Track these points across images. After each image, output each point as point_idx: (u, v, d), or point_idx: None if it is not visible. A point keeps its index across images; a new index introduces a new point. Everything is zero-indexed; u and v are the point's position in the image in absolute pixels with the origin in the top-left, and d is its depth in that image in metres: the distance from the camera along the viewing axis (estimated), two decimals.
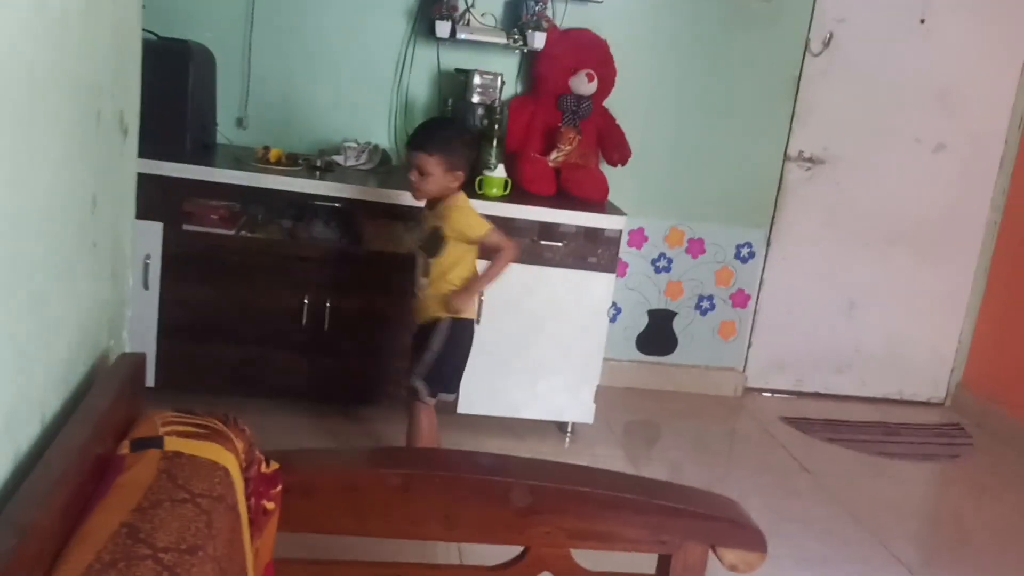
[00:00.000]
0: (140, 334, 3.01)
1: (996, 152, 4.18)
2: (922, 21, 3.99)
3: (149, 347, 3.12)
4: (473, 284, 2.78)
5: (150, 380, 3.03)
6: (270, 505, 1.48)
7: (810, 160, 4.07)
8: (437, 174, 2.67)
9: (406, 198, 3.20)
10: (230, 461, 1.32)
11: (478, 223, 2.75)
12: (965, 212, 4.23)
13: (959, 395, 4.39)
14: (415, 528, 1.59)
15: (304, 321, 3.23)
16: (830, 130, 4.05)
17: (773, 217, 4.09)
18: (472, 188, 3.26)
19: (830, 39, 3.95)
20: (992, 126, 4.15)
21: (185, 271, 3.16)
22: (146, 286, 3.09)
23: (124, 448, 1.23)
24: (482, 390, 3.36)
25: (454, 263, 2.74)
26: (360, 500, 1.54)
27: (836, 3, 3.91)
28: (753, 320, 4.19)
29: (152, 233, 3.07)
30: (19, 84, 0.96)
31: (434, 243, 2.74)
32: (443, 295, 2.74)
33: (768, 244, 4.11)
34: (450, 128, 2.87)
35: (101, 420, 1.22)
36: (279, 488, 1.50)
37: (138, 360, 1.44)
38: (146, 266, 3.08)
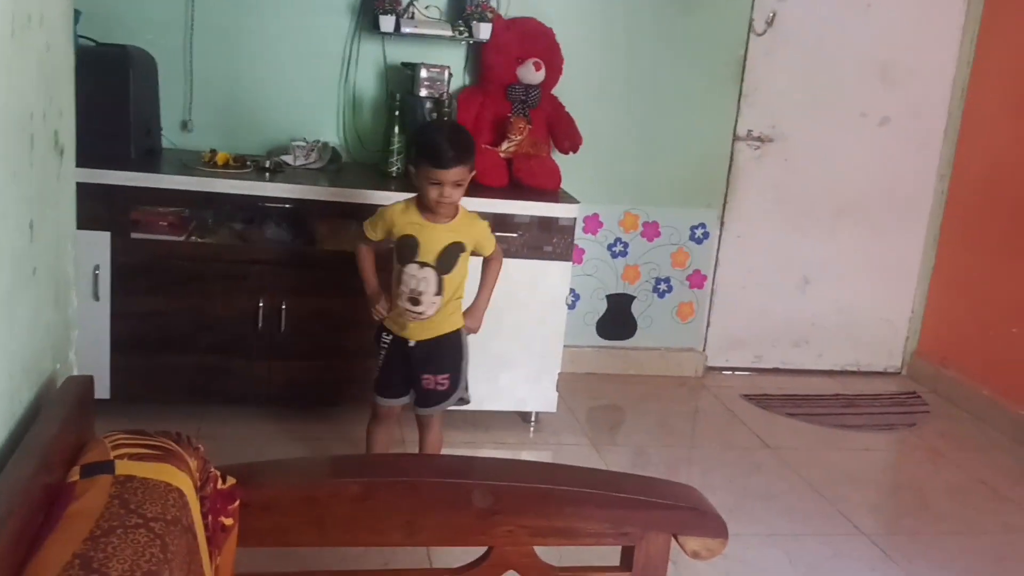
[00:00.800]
0: (92, 347, 2.97)
1: (939, 123, 4.24)
2: None
3: (102, 360, 3.08)
4: (484, 300, 2.78)
5: (104, 393, 3.00)
6: (228, 521, 1.47)
7: (759, 139, 4.10)
8: (466, 184, 2.60)
9: (358, 196, 3.20)
10: (184, 482, 1.31)
11: (490, 235, 2.74)
12: (912, 183, 4.30)
13: (914, 363, 4.47)
14: (377, 536, 1.59)
15: (260, 325, 3.20)
16: (777, 108, 4.08)
17: (725, 197, 4.12)
18: None
19: (773, 18, 3.98)
20: (934, 98, 4.21)
21: (135, 280, 3.12)
22: (96, 297, 3.04)
23: (74, 475, 1.22)
24: None
25: (463, 276, 2.68)
26: (320, 511, 1.54)
27: None
28: (710, 300, 4.23)
29: (100, 243, 3.02)
30: None
31: (450, 259, 2.60)
32: (454, 307, 2.70)
33: (722, 224, 4.14)
34: (466, 133, 2.69)
35: (48, 448, 1.20)
36: (237, 503, 1.49)
37: (85, 382, 1.42)
38: (95, 277, 3.03)
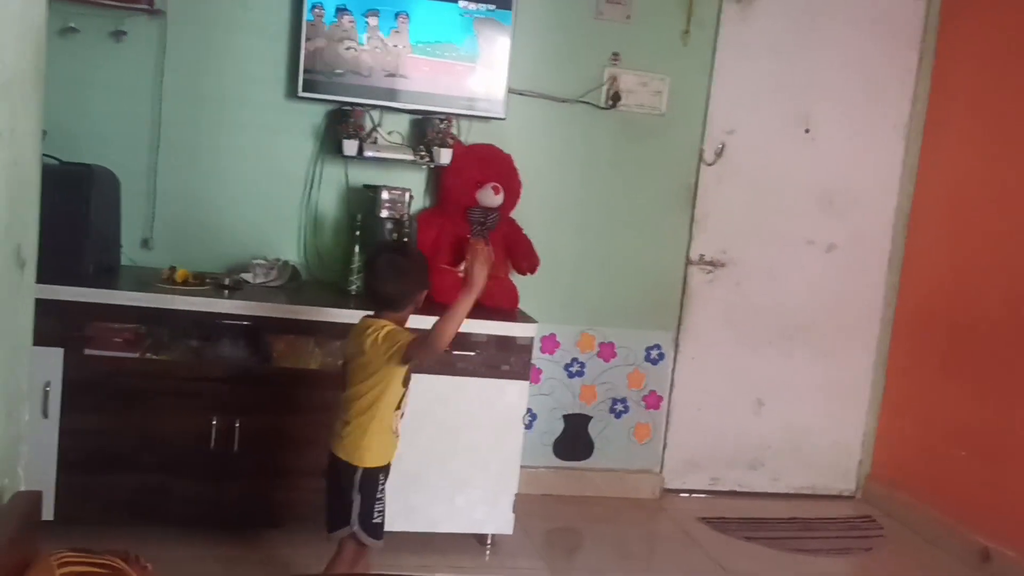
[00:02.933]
0: (38, 465, 2.87)
1: (884, 250, 4.39)
2: (807, 130, 4.23)
3: (48, 479, 2.99)
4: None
5: (49, 514, 2.90)
6: None
7: (711, 263, 4.21)
8: None
9: (316, 313, 3.22)
10: None
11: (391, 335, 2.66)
12: (859, 307, 4.41)
13: (868, 486, 4.49)
14: None
15: (212, 443, 3.15)
16: (728, 234, 4.21)
17: (680, 319, 4.20)
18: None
19: (722, 149, 4.15)
20: (878, 226, 4.38)
21: (87, 397, 3.06)
22: (45, 415, 2.98)
23: None
24: (399, 506, 3.30)
25: None
26: None
27: (726, 116, 4.12)
28: (667, 421, 4.25)
29: (52, 359, 2.98)
30: None
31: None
32: None
33: (676, 345, 4.21)
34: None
35: None
36: None
37: (33, 497, 1.39)
38: (46, 394, 2.98)
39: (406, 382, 2.66)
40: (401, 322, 2.66)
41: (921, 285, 4.28)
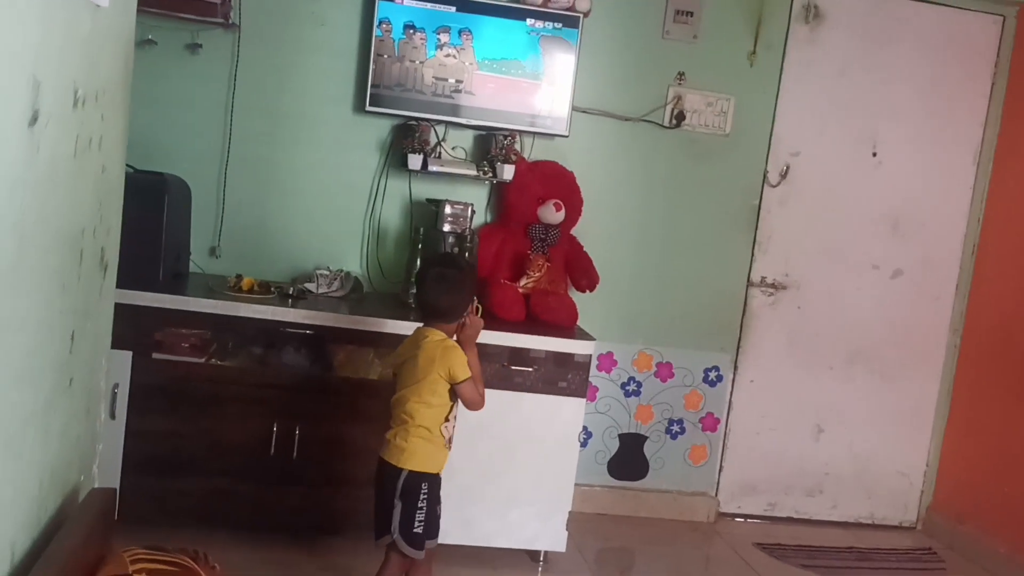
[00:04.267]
0: (104, 466, 2.95)
1: (951, 276, 4.31)
2: (874, 153, 4.17)
3: (113, 479, 3.05)
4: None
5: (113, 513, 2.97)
6: None
7: (772, 286, 4.17)
8: None
9: (377, 324, 3.26)
10: None
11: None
12: (925, 334, 4.33)
13: (929, 518, 4.39)
14: None
15: (272, 450, 3.20)
16: (790, 257, 4.17)
17: (739, 341, 4.16)
18: None
19: (787, 171, 4.11)
20: (945, 251, 4.29)
21: (153, 401, 3.14)
22: (112, 416, 3.05)
23: None
24: (453, 519, 3.32)
25: None
26: None
27: (791, 137, 4.09)
28: (723, 444, 4.20)
29: (121, 362, 3.06)
30: (10, 233, 0.99)
31: None
32: None
33: (735, 368, 4.16)
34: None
35: (70, 558, 1.20)
36: None
37: (108, 495, 1.43)
38: (113, 396, 3.05)
39: (453, 397, 2.68)
40: (451, 332, 2.71)
41: (989, 312, 4.18)
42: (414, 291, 3.44)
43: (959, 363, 4.33)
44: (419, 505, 2.64)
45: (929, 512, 4.40)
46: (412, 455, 2.64)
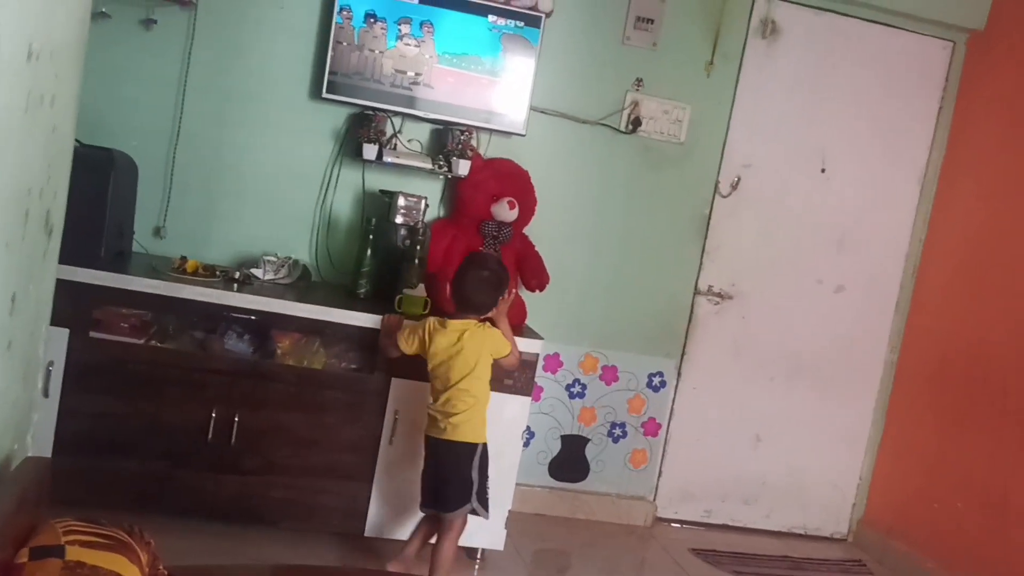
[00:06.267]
0: (36, 444, 2.87)
1: (892, 294, 4.40)
2: (822, 170, 4.24)
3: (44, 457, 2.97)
4: None
5: None
6: None
7: (719, 295, 4.21)
8: None
9: (324, 313, 3.22)
10: (134, 573, 1.27)
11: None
12: (864, 351, 4.41)
13: (860, 531, 4.47)
14: None
15: (211, 436, 3.14)
16: (737, 267, 4.22)
17: (684, 348, 4.19)
18: (392, 306, 3.28)
19: (738, 182, 4.16)
20: (888, 270, 4.38)
21: (88, 380, 3.06)
22: (46, 394, 2.96)
23: (23, 556, 1.18)
24: (394, 515, 3.29)
25: None
26: None
27: (743, 149, 4.14)
28: (664, 449, 4.23)
29: (58, 339, 2.97)
30: None
31: None
32: None
33: (679, 374, 4.20)
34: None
35: (1, 526, 1.16)
36: None
37: (42, 464, 1.39)
38: (48, 373, 2.96)
39: None
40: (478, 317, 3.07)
41: (927, 332, 4.28)
42: (368, 283, 3.45)
43: (895, 381, 4.41)
44: (488, 471, 3.07)
45: (860, 525, 4.48)
46: (482, 429, 3.04)
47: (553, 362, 4.01)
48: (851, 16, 4.16)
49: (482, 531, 3.36)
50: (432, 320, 3.05)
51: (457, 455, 3.01)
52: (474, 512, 3.06)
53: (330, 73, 3.54)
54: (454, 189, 3.77)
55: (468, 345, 2.98)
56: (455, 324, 3.01)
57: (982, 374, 3.88)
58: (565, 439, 4.09)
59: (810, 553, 4.27)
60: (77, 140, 3.15)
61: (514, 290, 3.21)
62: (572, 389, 4.06)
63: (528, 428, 3.88)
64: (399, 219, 3.54)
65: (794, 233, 4.26)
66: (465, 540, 3.38)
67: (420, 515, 3.17)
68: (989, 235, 4.00)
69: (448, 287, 3.14)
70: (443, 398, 3.00)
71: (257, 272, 3.47)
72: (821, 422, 4.39)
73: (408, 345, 3.06)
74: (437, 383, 3.03)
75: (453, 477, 3.02)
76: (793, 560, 4.15)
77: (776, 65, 4.13)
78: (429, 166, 3.65)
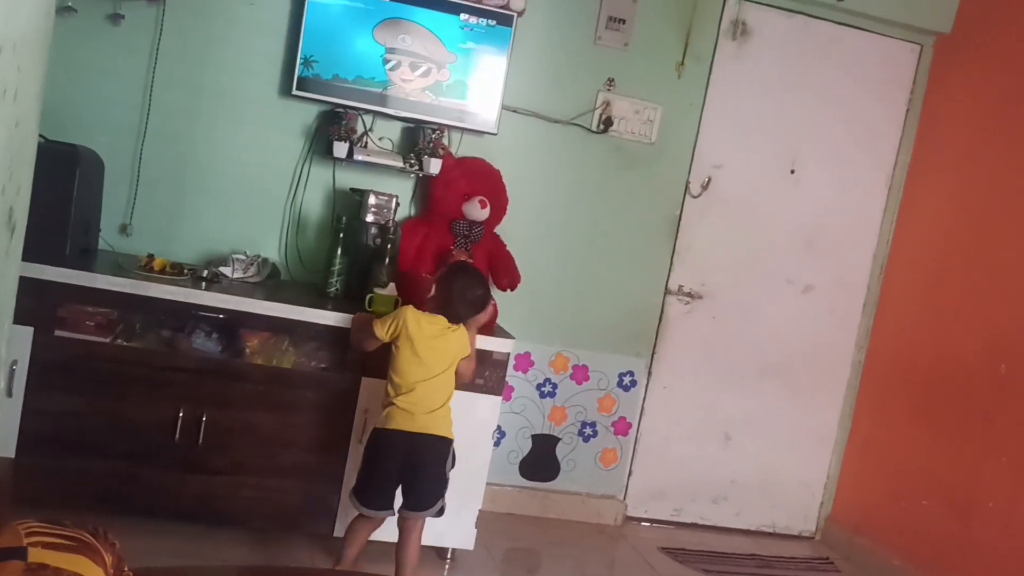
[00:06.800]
0: None
1: (860, 295, 4.44)
2: (792, 171, 4.27)
3: (7, 458, 2.92)
4: None
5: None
6: None
7: (689, 295, 4.23)
8: None
9: (293, 312, 3.19)
10: (98, 575, 1.25)
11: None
12: (831, 351, 4.45)
13: (828, 528, 4.51)
14: None
15: (177, 436, 3.10)
16: (707, 267, 4.24)
17: (654, 347, 4.21)
18: (363, 305, 3.27)
19: (708, 183, 4.18)
20: (856, 270, 4.42)
21: (53, 379, 3.01)
22: (9, 394, 2.91)
23: None
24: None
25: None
26: None
27: (714, 150, 4.16)
28: (634, 448, 4.24)
29: (22, 338, 2.92)
30: None
31: None
32: None
33: (649, 373, 4.21)
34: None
35: None
36: None
37: (4, 465, 1.36)
38: (12, 372, 2.91)
39: None
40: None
41: (894, 332, 4.32)
42: (340, 282, 3.44)
43: (862, 381, 4.46)
44: (452, 468, 3.05)
45: (828, 523, 4.52)
46: (452, 425, 3.01)
47: (524, 361, 4.01)
48: (820, 18, 4.19)
49: (452, 531, 3.36)
50: (411, 307, 2.99)
51: (436, 450, 2.96)
52: (440, 511, 3.02)
53: (300, 70, 3.51)
54: (425, 188, 3.76)
55: (450, 339, 2.98)
56: (437, 318, 2.99)
57: (948, 374, 3.93)
58: (536, 438, 4.09)
59: (779, 551, 4.30)
60: (42, 136, 3.12)
61: (493, 303, 3.23)
62: (543, 388, 4.07)
63: (499, 427, 3.87)
64: (370, 218, 3.52)
65: (764, 233, 4.29)
66: (435, 540, 3.38)
67: (353, 515, 3.05)
68: (956, 236, 4.05)
69: (433, 287, 3.06)
70: (421, 389, 2.91)
71: (226, 270, 3.43)
72: (790, 421, 4.43)
73: (384, 330, 2.96)
74: (412, 373, 2.92)
75: (431, 473, 2.98)
76: (762, 558, 4.18)
77: (746, 66, 4.16)
78: (400, 164, 3.63)
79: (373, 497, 2.96)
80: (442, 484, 3.00)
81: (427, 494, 2.98)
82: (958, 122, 4.15)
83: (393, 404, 2.93)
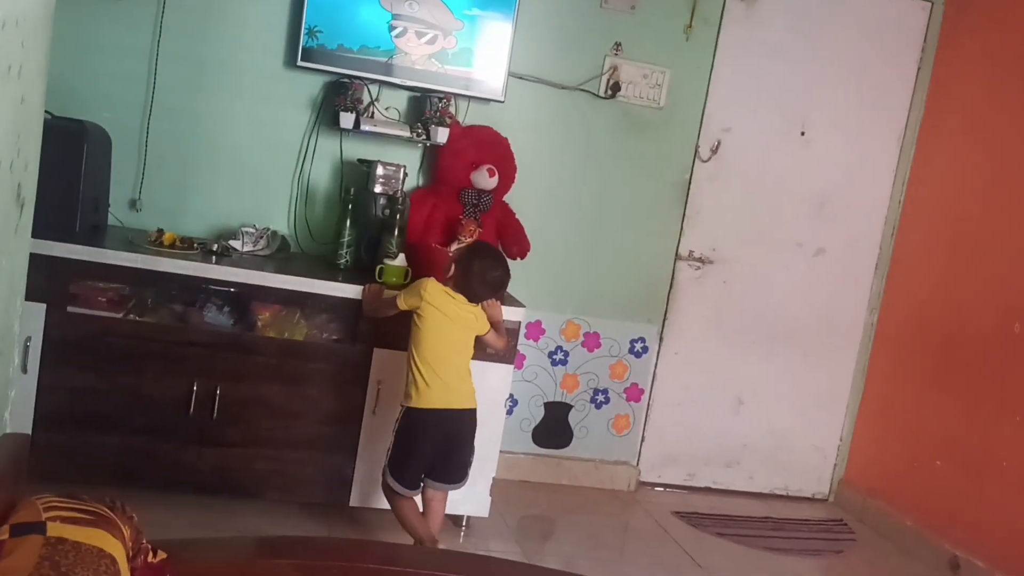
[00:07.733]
0: (15, 420, 2.85)
1: (871, 257, 4.42)
2: (802, 133, 4.24)
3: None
4: None
5: None
6: None
7: (699, 260, 4.22)
8: None
9: (304, 284, 3.20)
10: (117, 549, 1.26)
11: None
12: (844, 313, 4.43)
13: (841, 491, 4.52)
14: None
15: (192, 410, 3.12)
16: (718, 232, 4.22)
17: (665, 313, 4.20)
18: (373, 276, 3.27)
19: (718, 146, 4.15)
20: (868, 233, 4.40)
21: (67, 355, 3.03)
22: (24, 370, 2.94)
23: (3, 533, 1.17)
24: (377, 483, 3.29)
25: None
26: None
27: (723, 113, 4.13)
28: (646, 414, 4.25)
29: (34, 314, 2.94)
30: None
31: None
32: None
33: (661, 340, 4.21)
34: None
35: None
36: None
37: (21, 441, 1.37)
38: (26, 349, 2.93)
39: None
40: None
41: (907, 294, 4.30)
42: (350, 253, 3.45)
43: (875, 343, 4.45)
44: None
45: (841, 485, 4.53)
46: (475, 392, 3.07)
47: (535, 330, 4.01)
48: None
49: (467, 499, 3.37)
50: (431, 279, 3.02)
51: (470, 426, 3.06)
52: (455, 487, 3.14)
53: (305, 41, 3.48)
54: (433, 157, 3.75)
55: (476, 322, 3.04)
56: (456, 293, 3.02)
57: (961, 335, 3.92)
58: (548, 406, 4.11)
59: (792, 513, 4.32)
60: (48, 112, 3.12)
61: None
62: (555, 356, 4.07)
63: (511, 396, 3.89)
64: (378, 188, 3.51)
65: (774, 197, 4.26)
66: (450, 508, 3.40)
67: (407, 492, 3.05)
68: (967, 196, 4.02)
69: (453, 266, 3.06)
70: (455, 361, 3.00)
71: (235, 244, 3.44)
72: (803, 384, 4.43)
73: (406, 303, 3.00)
74: (440, 344, 2.97)
75: (467, 450, 3.08)
76: (775, 521, 4.20)
77: (755, 29, 4.11)
78: (407, 134, 3.61)
79: (410, 478, 3.02)
80: (472, 457, 3.10)
81: (462, 469, 3.08)
82: (969, 81, 4.10)
83: (424, 381, 2.95)
